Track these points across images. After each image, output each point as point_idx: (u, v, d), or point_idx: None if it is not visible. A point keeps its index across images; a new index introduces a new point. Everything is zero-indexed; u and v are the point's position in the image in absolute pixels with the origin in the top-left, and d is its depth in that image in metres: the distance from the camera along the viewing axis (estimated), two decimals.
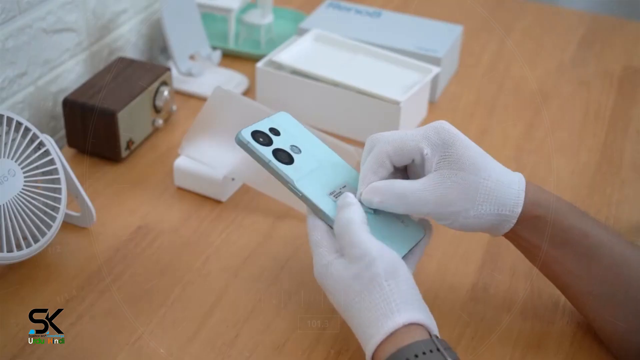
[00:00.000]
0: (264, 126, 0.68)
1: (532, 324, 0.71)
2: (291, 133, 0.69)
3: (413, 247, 0.66)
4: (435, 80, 1.02)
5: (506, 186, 0.64)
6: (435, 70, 0.98)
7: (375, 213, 0.66)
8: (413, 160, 0.66)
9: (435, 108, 1.03)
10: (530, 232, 0.65)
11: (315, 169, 0.67)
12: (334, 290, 0.62)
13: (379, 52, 1.01)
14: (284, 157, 0.67)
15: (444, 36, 1.05)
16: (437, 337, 0.59)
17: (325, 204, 0.65)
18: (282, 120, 0.70)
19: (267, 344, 0.68)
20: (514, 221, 0.64)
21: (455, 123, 1.02)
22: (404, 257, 0.65)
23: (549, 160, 0.94)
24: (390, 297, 0.59)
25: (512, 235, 0.66)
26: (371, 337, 0.59)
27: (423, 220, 0.68)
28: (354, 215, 0.62)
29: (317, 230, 0.64)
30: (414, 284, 0.61)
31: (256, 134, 0.67)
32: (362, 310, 0.60)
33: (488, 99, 1.05)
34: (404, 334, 0.58)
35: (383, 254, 0.60)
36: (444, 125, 0.65)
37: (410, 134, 0.65)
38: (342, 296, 0.61)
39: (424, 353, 0.56)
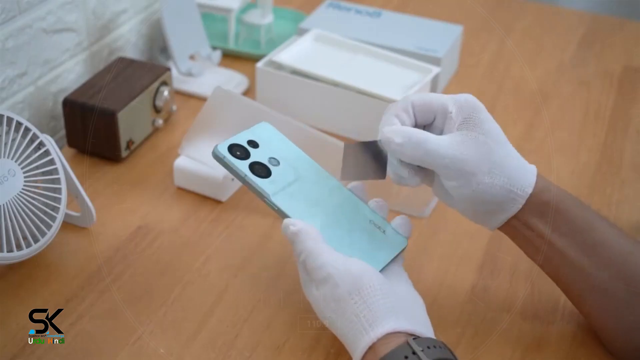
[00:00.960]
0: (242, 139, 0.68)
1: (532, 324, 0.71)
2: (271, 144, 0.69)
3: (396, 256, 0.66)
4: (435, 80, 1.02)
5: (521, 166, 0.65)
6: (435, 70, 0.98)
7: (352, 228, 0.66)
8: (435, 119, 0.66)
9: None
10: (537, 218, 0.65)
11: (294, 182, 0.67)
12: (316, 310, 0.64)
13: (379, 52, 1.01)
14: (260, 170, 0.66)
15: (444, 36, 1.05)
16: (415, 337, 0.58)
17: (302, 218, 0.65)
18: (262, 131, 0.69)
19: (267, 344, 0.68)
20: (523, 202, 0.64)
21: None
22: (387, 266, 0.65)
23: (549, 160, 0.94)
24: (360, 314, 0.59)
25: (517, 224, 0.66)
26: (353, 352, 0.60)
27: (403, 228, 0.68)
28: (306, 244, 0.62)
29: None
30: (384, 292, 0.60)
31: (233, 148, 0.67)
32: (340, 329, 0.61)
33: (488, 99, 1.05)
34: (381, 346, 0.58)
35: (343, 275, 0.60)
36: (471, 96, 0.67)
37: (436, 94, 0.66)
38: (322, 317, 0.63)
39: None
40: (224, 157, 0.66)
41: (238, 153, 0.66)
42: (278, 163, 0.68)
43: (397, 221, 0.68)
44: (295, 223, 0.63)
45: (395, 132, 0.63)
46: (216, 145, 0.66)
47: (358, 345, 0.59)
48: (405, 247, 0.67)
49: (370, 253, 0.65)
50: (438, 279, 0.76)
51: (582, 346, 0.69)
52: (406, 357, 0.56)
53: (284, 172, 0.67)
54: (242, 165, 0.66)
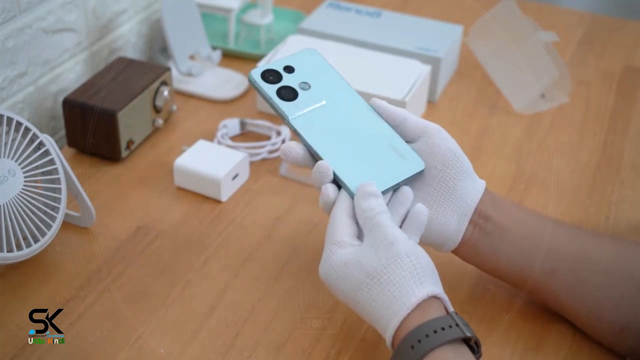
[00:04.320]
0: (279, 65, 0.71)
1: (531, 324, 0.71)
2: (308, 70, 0.72)
3: (409, 179, 0.67)
4: (435, 80, 1.02)
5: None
6: (427, 68, 0.98)
7: (367, 150, 0.67)
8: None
9: (435, 108, 1.03)
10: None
11: (321, 105, 0.69)
12: (354, 273, 0.61)
13: (376, 53, 1.00)
14: (287, 94, 0.70)
15: (444, 36, 1.05)
16: (455, 313, 0.60)
17: (319, 143, 0.67)
18: (304, 57, 0.73)
19: (267, 344, 0.68)
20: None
21: (455, 123, 1.02)
22: (397, 189, 0.66)
23: (549, 160, 0.94)
24: (414, 272, 0.60)
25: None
26: (397, 311, 0.59)
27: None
28: (379, 206, 0.63)
29: (336, 225, 0.64)
30: (430, 260, 0.62)
31: (267, 73, 0.70)
32: (388, 285, 0.60)
33: (488, 99, 1.05)
34: (426, 308, 0.59)
35: (405, 238, 0.62)
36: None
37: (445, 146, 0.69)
38: (365, 276, 0.61)
39: (442, 329, 0.58)
40: (255, 81, 0.70)
41: (271, 78, 0.70)
42: (309, 87, 0.70)
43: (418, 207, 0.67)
44: (375, 188, 0.64)
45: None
46: (251, 70, 0.70)
47: (406, 302, 0.59)
48: (422, 170, 0.67)
49: (380, 172, 0.66)
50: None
51: (582, 346, 0.69)
52: (450, 327, 0.58)
53: (312, 96, 0.70)
54: (270, 89, 0.69)
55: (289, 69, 0.71)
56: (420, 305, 0.59)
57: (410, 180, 0.67)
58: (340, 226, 0.64)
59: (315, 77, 0.71)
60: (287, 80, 0.70)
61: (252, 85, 0.70)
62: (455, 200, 0.67)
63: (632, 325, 0.65)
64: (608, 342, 0.68)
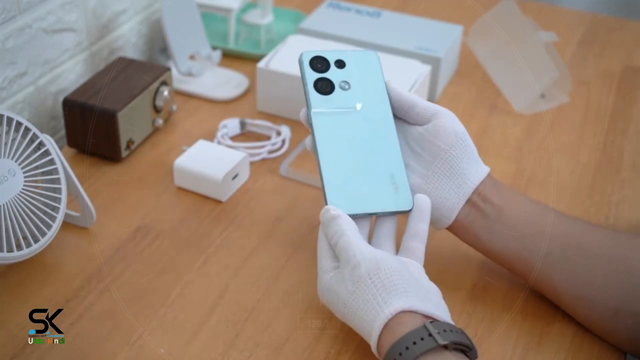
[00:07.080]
0: (333, 55, 0.69)
1: (532, 323, 0.71)
2: (357, 71, 0.70)
3: (389, 213, 0.66)
4: (435, 80, 1.02)
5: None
6: (427, 68, 0.98)
7: (366, 172, 0.67)
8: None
9: None
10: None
11: (350, 109, 0.68)
12: (333, 297, 0.63)
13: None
14: (324, 87, 0.68)
15: (444, 36, 1.05)
16: (432, 320, 0.59)
17: (325, 147, 0.66)
18: (361, 58, 0.71)
19: (267, 344, 0.68)
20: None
21: None
22: (379, 219, 0.66)
23: (549, 160, 0.94)
24: (376, 293, 0.60)
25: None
26: (369, 335, 0.60)
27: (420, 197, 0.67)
28: (342, 226, 0.64)
29: (320, 251, 0.66)
30: (401, 274, 0.61)
31: (316, 59, 0.69)
32: (357, 311, 0.61)
33: (488, 99, 1.05)
34: (398, 325, 0.59)
35: (367, 256, 0.62)
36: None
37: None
38: (340, 303, 0.63)
39: (414, 343, 0.57)
40: (302, 62, 0.68)
41: (318, 65, 0.69)
42: (348, 88, 0.69)
43: (419, 196, 0.67)
44: (336, 209, 0.65)
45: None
46: (305, 51, 0.69)
47: (374, 325, 0.59)
48: (407, 210, 0.66)
49: (366, 196, 0.65)
50: (438, 279, 0.75)
51: (582, 346, 0.69)
52: (422, 339, 0.57)
53: (346, 98, 0.68)
54: (310, 76, 0.68)
55: (340, 64, 0.69)
56: (388, 325, 0.59)
57: (392, 215, 0.66)
58: (323, 249, 0.65)
59: (360, 82, 0.69)
60: (332, 73, 0.69)
61: (299, 64, 0.69)
62: (455, 178, 0.68)
63: (625, 308, 0.66)
64: (604, 331, 0.68)
